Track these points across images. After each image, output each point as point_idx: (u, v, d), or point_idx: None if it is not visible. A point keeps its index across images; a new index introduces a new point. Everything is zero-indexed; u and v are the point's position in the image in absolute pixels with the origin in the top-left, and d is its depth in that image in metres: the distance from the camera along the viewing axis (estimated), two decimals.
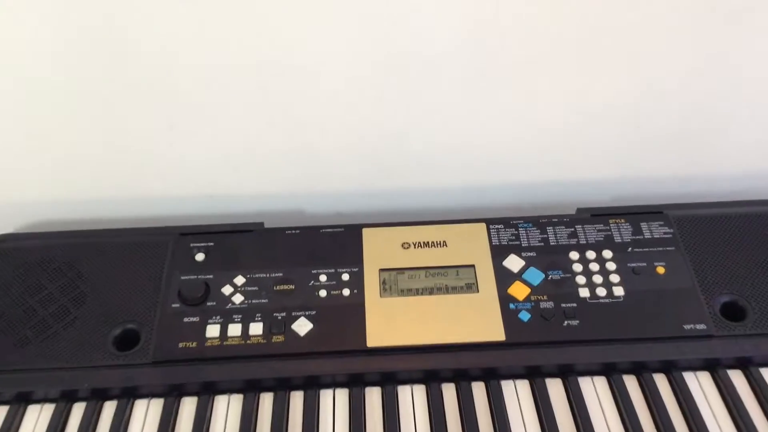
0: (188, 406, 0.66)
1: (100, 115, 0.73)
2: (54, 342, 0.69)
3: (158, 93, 0.72)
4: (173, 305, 0.71)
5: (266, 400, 0.66)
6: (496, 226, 0.77)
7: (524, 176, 0.85)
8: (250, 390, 0.67)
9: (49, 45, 0.66)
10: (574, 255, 0.74)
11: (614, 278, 0.72)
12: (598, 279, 0.72)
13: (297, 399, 0.66)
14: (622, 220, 0.77)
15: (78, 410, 0.66)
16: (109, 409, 0.66)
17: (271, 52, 0.69)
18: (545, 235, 0.76)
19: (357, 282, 0.73)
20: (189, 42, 0.67)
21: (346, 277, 0.73)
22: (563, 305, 0.70)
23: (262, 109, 0.75)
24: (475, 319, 0.70)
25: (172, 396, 0.67)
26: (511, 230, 0.77)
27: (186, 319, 0.70)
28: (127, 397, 0.67)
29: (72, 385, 0.67)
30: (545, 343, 0.68)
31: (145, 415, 0.66)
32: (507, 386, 0.67)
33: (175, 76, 0.70)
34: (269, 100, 0.74)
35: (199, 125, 0.76)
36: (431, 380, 0.67)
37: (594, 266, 0.73)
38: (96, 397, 0.67)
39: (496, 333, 0.69)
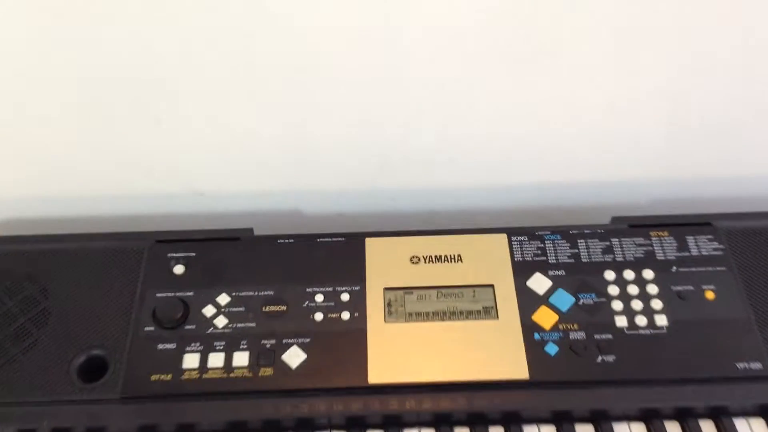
0: None
1: (84, 108, 0.66)
2: (11, 370, 0.61)
3: (144, 83, 0.64)
4: (146, 328, 0.63)
5: None
6: (519, 238, 0.68)
7: (546, 176, 0.76)
8: None
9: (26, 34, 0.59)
10: (609, 275, 0.65)
11: (656, 304, 0.63)
12: (637, 305, 0.63)
13: None
14: (665, 233, 0.67)
15: None
16: None
17: (266, 39, 0.61)
18: (576, 250, 0.66)
19: (358, 303, 0.64)
20: (177, 29, 0.60)
21: (345, 297, 0.64)
22: (597, 336, 0.61)
23: (257, 99, 0.66)
24: (493, 352, 0.61)
25: None
26: (537, 243, 0.67)
27: (161, 346, 0.62)
28: None
29: (29, 424, 0.59)
30: (575, 383, 0.60)
31: None
32: None
33: (164, 64, 0.63)
34: (265, 89, 0.65)
35: (188, 115, 0.68)
36: (442, 424, 0.60)
37: (633, 289, 0.64)
38: None
39: (519, 369, 0.60)
